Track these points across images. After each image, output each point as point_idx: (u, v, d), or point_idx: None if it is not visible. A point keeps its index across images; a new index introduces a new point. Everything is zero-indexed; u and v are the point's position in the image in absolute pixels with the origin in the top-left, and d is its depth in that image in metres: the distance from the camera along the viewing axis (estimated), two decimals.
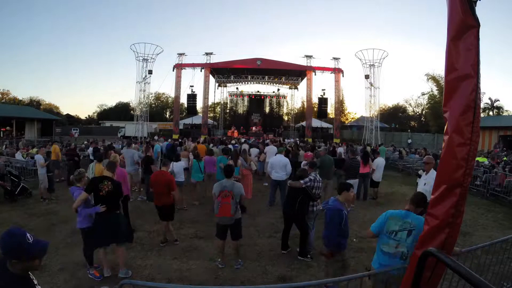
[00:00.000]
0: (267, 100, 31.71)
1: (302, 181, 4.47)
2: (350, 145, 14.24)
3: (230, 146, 10.75)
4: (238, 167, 6.49)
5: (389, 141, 25.74)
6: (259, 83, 30.17)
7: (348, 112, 47.05)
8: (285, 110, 35.29)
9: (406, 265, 2.31)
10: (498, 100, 33.79)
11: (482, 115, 29.83)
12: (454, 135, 1.79)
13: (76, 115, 56.40)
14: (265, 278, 3.88)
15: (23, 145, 15.21)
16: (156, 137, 18.24)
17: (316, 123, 29.10)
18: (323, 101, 25.99)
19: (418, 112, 44.48)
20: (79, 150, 12.76)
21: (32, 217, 6.10)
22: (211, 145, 11.10)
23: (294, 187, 4.52)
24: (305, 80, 26.49)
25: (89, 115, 58.96)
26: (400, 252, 2.52)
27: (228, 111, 33.96)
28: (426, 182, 4.60)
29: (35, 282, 1.59)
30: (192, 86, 25.02)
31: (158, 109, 52.11)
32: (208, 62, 24.85)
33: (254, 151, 10.27)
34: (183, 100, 27.17)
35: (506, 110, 33.99)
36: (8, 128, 26.86)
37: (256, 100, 30.94)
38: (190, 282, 3.71)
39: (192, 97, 25.37)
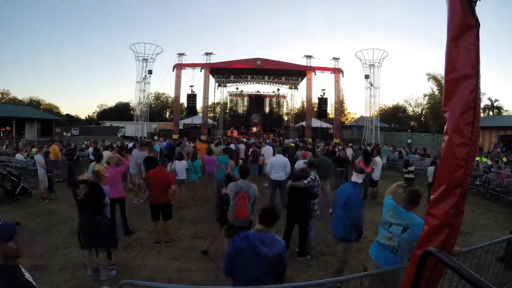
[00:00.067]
0: (267, 100, 31.72)
1: (305, 181, 4.48)
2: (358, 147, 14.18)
3: (232, 145, 10.75)
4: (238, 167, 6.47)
5: (389, 141, 25.74)
6: (259, 83, 30.18)
7: (348, 112, 47.13)
8: (285, 110, 35.33)
9: (406, 262, 2.32)
10: (498, 100, 33.85)
11: (482, 115, 29.81)
12: (454, 135, 1.79)
13: (76, 115, 56.50)
14: None
15: (23, 145, 15.23)
16: (155, 137, 18.23)
17: (316, 123, 29.10)
18: (323, 101, 25.99)
19: (418, 112, 44.50)
20: (79, 150, 12.78)
21: (32, 217, 6.10)
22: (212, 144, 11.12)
23: (298, 187, 4.51)
24: (305, 80, 26.49)
25: (89, 115, 59.03)
26: (391, 245, 2.63)
27: (228, 111, 33.97)
28: None
29: (23, 270, 1.59)
30: (192, 86, 25.08)
31: (158, 109, 52.10)
32: (208, 62, 24.86)
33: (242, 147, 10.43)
34: (183, 100, 27.21)
35: (506, 110, 34.04)
36: (8, 128, 26.85)
37: (256, 100, 30.94)
38: (190, 282, 3.71)
39: (192, 97, 25.38)
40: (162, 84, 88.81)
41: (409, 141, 27.31)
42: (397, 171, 13.87)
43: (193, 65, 24.91)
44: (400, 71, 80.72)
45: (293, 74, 27.59)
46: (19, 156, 11.06)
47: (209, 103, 28.99)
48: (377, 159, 8.25)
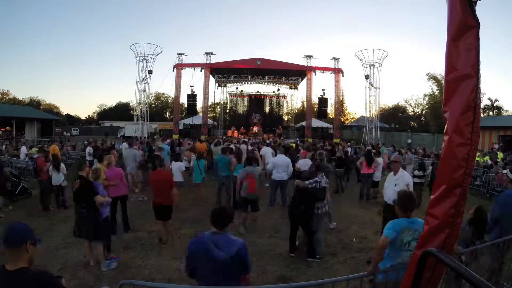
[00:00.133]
0: (267, 100, 31.74)
1: (307, 182, 4.47)
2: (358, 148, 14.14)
3: (232, 146, 10.77)
4: (242, 164, 6.70)
5: (389, 141, 25.73)
6: (259, 83, 30.20)
7: (348, 112, 47.17)
8: (285, 110, 35.40)
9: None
10: (498, 100, 33.85)
11: (482, 115, 29.82)
12: (454, 135, 1.79)
13: (76, 115, 56.51)
14: (265, 278, 3.88)
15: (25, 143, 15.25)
16: (155, 137, 18.24)
17: (316, 123, 29.12)
18: (323, 101, 26.00)
19: (418, 112, 44.51)
20: (79, 150, 12.80)
21: (32, 217, 6.10)
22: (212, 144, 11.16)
23: (301, 187, 4.51)
24: (305, 80, 26.51)
25: (89, 115, 59.05)
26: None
27: (228, 111, 34.00)
28: (397, 183, 4.45)
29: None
30: (192, 86, 25.11)
31: (158, 109, 52.12)
32: (208, 62, 24.87)
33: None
34: (183, 100, 27.24)
35: (506, 110, 34.04)
36: (8, 128, 26.87)
37: (256, 100, 30.96)
38: (190, 282, 3.68)
39: (192, 97, 25.39)
40: (162, 84, 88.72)
41: (409, 141, 27.30)
42: None
43: (193, 65, 24.92)
44: (400, 71, 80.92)
45: (293, 74, 27.61)
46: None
47: (209, 103, 29.03)
48: (379, 159, 8.23)
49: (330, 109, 31.88)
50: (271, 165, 7.00)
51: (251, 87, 31.33)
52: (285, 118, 37.05)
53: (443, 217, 1.84)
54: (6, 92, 48.51)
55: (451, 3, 1.79)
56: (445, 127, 1.87)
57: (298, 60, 25.54)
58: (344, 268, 4.15)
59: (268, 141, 13.52)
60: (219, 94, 32.24)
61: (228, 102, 33.14)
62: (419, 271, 1.71)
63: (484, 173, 9.60)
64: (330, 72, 24.90)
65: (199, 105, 28.61)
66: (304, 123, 29.20)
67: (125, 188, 5.45)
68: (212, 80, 27.98)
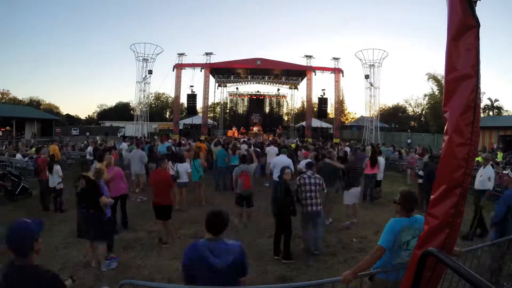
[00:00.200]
0: (267, 100, 31.68)
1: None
2: (358, 148, 14.05)
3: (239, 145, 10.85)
4: (237, 155, 7.64)
5: (389, 141, 25.74)
6: (259, 83, 30.15)
7: (348, 112, 47.13)
8: (285, 110, 35.31)
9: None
10: (498, 100, 33.86)
11: (482, 115, 29.83)
12: (454, 135, 1.79)
13: (76, 115, 56.45)
14: (265, 278, 3.88)
15: (22, 145, 15.23)
16: (155, 137, 18.25)
17: (316, 123, 29.10)
18: (323, 101, 25.98)
19: (418, 112, 44.50)
20: (79, 149, 12.79)
21: (32, 217, 6.09)
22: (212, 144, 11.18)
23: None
24: (305, 80, 26.48)
25: (89, 115, 59.00)
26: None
27: (228, 111, 33.96)
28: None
29: None
30: (192, 86, 25.04)
31: (158, 109, 52.08)
32: (208, 62, 24.84)
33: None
34: (183, 100, 27.16)
35: (506, 110, 34.02)
36: (8, 128, 26.88)
37: (256, 100, 30.91)
38: None
39: (192, 97, 25.36)
40: (162, 84, 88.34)
41: (409, 141, 27.29)
42: (397, 171, 13.88)
43: (193, 65, 24.89)
44: (400, 71, 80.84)
45: (293, 74, 27.57)
46: (19, 157, 11.08)
47: (209, 103, 28.99)
48: (380, 159, 8.25)
49: (330, 109, 31.89)
50: (272, 165, 7.02)
51: (251, 87, 31.31)
52: (285, 118, 37.01)
53: (443, 217, 1.84)
54: (6, 92, 48.49)
55: (451, 3, 1.79)
56: (445, 127, 1.87)
57: (298, 60, 25.52)
58: (344, 268, 4.13)
59: (268, 142, 13.49)
60: (219, 94, 32.23)
61: (228, 102, 33.10)
62: (419, 271, 1.71)
63: None
64: (330, 72, 24.86)
65: (199, 105, 28.62)
66: (304, 123, 29.18)
67: (125, 187, 5.48)
68: (212, 80, 27.96)
